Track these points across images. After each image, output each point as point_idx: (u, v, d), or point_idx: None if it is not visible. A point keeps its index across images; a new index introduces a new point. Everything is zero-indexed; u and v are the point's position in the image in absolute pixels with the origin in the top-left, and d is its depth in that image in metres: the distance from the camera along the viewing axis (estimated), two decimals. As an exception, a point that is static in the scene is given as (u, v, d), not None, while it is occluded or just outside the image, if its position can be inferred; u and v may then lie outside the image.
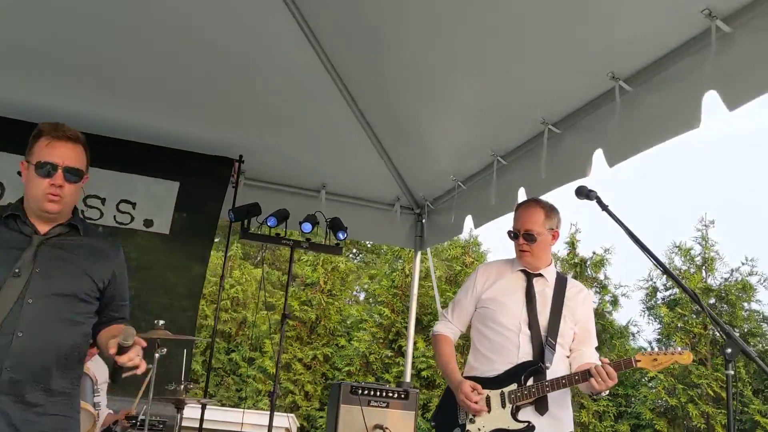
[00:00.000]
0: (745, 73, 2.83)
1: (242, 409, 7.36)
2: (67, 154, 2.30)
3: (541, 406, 2.91)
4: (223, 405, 10.70)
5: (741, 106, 2.84)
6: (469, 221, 5.40)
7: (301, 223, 5.34)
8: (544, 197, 4.30)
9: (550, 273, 3.19)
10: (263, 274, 12.15)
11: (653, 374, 8.72)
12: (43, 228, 2.29)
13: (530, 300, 3.07)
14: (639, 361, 2.69)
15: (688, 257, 9.77)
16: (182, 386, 4.04)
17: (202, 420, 4.98)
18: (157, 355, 3.66)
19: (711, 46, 2.88)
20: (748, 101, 2.82)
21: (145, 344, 2.15)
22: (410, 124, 5.14)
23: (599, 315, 10.05)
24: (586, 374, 2.79)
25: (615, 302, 10.45)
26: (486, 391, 2.95)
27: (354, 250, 19.37)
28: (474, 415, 2.94)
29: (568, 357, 3.05)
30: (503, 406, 2.90)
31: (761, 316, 9.19)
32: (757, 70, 2.79)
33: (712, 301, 9.34)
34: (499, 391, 2.92)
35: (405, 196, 6.13)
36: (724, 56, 2.88)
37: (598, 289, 10.49)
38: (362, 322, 11.99)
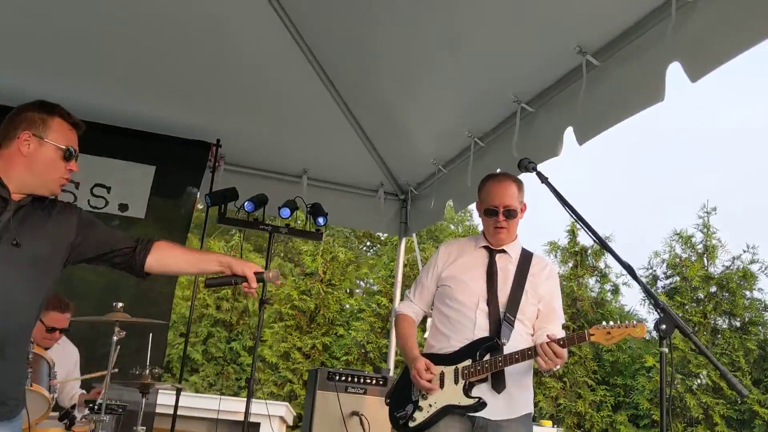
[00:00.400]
0: (707, 42, 2.72)
1: (219, 396, 7.26)
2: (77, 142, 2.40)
3: (498, 384, 2.81)
4: (197, 392, 10.71)
5: (703, 77, 2.74)
6: (450, 205, 5.32)
7: (279, 209, 5.26)
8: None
9: (515, 248, 3.08)
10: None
11: (651, 363, 8.59)
12: (16, 196, 2.26)
13: (491, 276, 2.97)
14: (593, 335, 2.56)
15: (689, 245, 9.60)
16: (147, 371, 3.97)
17: (176, 407, 4.92)
18: (115, 337, 3.59)
19: (672, 16, 2.77)
20: (711, 71, 2.71)
21: (255, 295, 2.37)
22: (390, 109, 5.05)
23: (599, 304, 9.92)
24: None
25: (616, 291, 10.32)
26: (440, 368, 2.86)
27: (368, 243, 19.27)
28: (427, 393, 2.86)
29: (532, 335, 2.94)
30: (456, 382, 2.81)
31: (762, 305, 9.01)
32: (718, 39, 2.68)
33: (713, 289, 9.18)
34: (453, 367, 2.84)
35: (389, 182, 6.03)
36: (687, 26, 2.78)
37: (598, 278, 10.36)
38: (361, 312, 11.92)
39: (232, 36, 4.57)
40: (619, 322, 2.52)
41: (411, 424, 2.86)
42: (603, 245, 2.22)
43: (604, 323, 2.56)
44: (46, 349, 4.24)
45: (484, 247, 3.07)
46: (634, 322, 2.50)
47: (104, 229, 2.39)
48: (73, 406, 3.74)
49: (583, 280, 10.28)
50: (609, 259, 10.32)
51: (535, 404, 8.98)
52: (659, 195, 32.85)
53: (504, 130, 4.37)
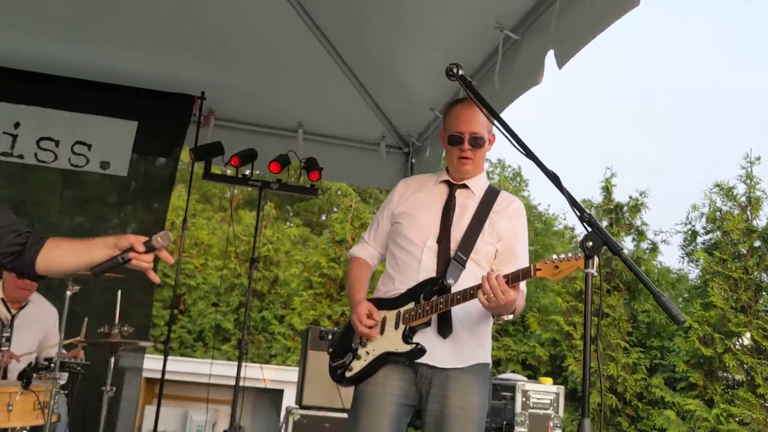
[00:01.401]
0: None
1: (210, 360, 7.14)
2: None
3: (444, 329, 2.49)
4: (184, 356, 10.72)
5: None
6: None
7: (269, 164, 5.02)
8: (505, 113, 3.99)
9: (478, 183, 2.72)
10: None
11: (689, 323, 8.08)
12: None
13: (447, 213, 2.64)
14: (539, 269, 2.21)
15: (730, 197, 8.98)
16: (116, 329, 3.80)
17: (163, 372, 4.78)
18: (69, 293, 3.42)
19: None
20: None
21: (172, 261, 2.04)
22: (383, 56, 4.77)
23: (635, 263, 9.39)
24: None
25: (654, 249, 9.78)
26: (383, 313, 2.56)
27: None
28: (367, 340, 2.56)
29: None
30: (396, 327, 2.51)
31: (810, 260, 8.37)
32: None
33: (756, 243, 8.59)
34: (396, 311, 2.53)
35: (390, 134, 5.72)
36: None
37: (635, 236, 9.84)
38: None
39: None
40: (569, 254, 2.14)
41: (347, 374, 2.58)
42: (528, 154, 1.88)
43: (554, 256, 2.19)
44: (22, 307, 4.14)
45: (445, 181, 2.73)
46: (579, 255, 2.07)
47: None
48: (30, 364, 3.59)
49: (619, 238, 9.76)
50: (646, 215, 9.79)
51: (565, 368, 8.67)
52: (697, 147, 31.67)
53: (492, 64, 4.03)
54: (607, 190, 10.13)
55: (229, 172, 5.48)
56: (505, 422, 4.01)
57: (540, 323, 9.51)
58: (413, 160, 5.78)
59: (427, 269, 2.54)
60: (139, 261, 1.89)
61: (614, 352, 8.61)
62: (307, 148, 5.52)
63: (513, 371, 9.30)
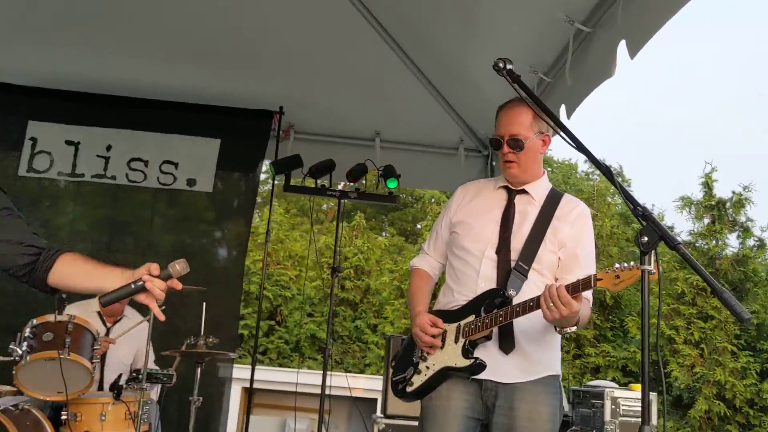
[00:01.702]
0: None
1: (296, 369, 7.22)
2: None
3: (506, 343, 2.40)
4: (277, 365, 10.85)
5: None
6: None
7: (347, 174, 5.06)
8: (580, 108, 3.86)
9: (539, 188, 2.60)
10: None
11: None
12: None
13: (506, 221, 2.54)
14: (600, 279, 2.08)
15: None
16: (201, 341, 3.92)
17: (252, 381, 4.89)
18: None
19: None
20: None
21: (180, 287, 1.92)
22: (455, 59, 4.74)
23: (740, 261, 8.87)
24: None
25: (761, 246, 9.18)
26: (446, 326, 2.49)
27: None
28: (427, 354, 2.49)
29: None
30: (456, 341, 2.43)
31: None
32: None
33: None
34: (456, 324, 2.46)
35: (468, 137, 5.65)
36: None
37: (739, 233, 9.28)
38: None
39: (288, 3, 4.45)
40: (631, 263, 2.00)
41: (408, 389, 2.52)
42: (579, 147, 1.79)
43: (617, 265, 2.05)
44: (117, 320, 4.34)
45: (504, 187, 2.62)
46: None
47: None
48: (120, 375, 3.75)
49: (722, 236, 9.24)
50: (751, 210, 9.21)
51: (667, 374, 8.26)
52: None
53: (565, 60, 3.91)
54: (707, 185, 9.63)
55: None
56: (594, 431, 3.85)
57: (640, 327, 9.12)
58: (493, 163, 5.69)
59: (487, 280, 2.47)
60: (153, 287, 1.82)
61: (721, 356, 8.14)
62: (385, 156, 5.53)
63: (613, 378, 8.96)
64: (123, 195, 5.09)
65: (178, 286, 1.90)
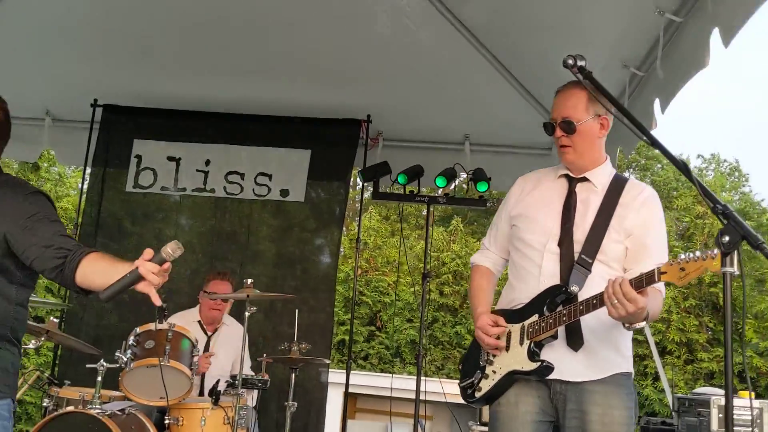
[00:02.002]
0: None
1: (390, 374, 7.19)
2: None
3: (574, 340, 2.28)
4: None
5: None
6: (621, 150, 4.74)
7: (435, 178, 5.05)
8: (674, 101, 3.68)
9: (600, 175, 2.45)
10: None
11: None
12: None
13: (567, 211, 2.40)
14: (664, 273, 1.94)
15: None
16: (294, 347, 4.01)
17: (347, 385, 4.95)
18: (247, 314, 3.66)
19: None
20: None
21: (167, 268, 1.93)
22: (544, 59, 4.62)
23: None
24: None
25: None
26: (508, 326, 2.39)
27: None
28: (493, 356, 2.40)
29: None
30: (521, 342, 2.33)
31: None
32: None
33: None
34: (520, 325, 2.36)
35: (560, 137, 5.50)
36: None
37: None
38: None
39: (372, 10, 4.50)
40: (696, 252, 1.87)
41: (477, 395, 2.44)
42: (653, 143, 1.70)
43: (681, 256, 1.91)
44: (217, 329, 4.51)
45: (564, 175, 2.49)
46: (713, 252, 1.77)
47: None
48: (218, 381, 3.88)
49: None
50: None
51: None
52: None
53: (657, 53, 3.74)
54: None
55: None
56: (701, 441, 3.64)
57: (757, 331, 8.57)
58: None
59: (549, 276, 2.34)
60: (146, 271, 1.85)
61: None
62: (475, 159, 5.47)
63: (729, 384, 8.45)
64: (227, 207, 5.30)
65: (155, 280, 1.90)
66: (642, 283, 2.03)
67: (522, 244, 2.46)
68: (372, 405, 8.87)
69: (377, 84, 5.12)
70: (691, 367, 8.69)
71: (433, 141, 5.60)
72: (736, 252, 1.45)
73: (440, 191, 5.16)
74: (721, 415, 3.55)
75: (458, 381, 2.56)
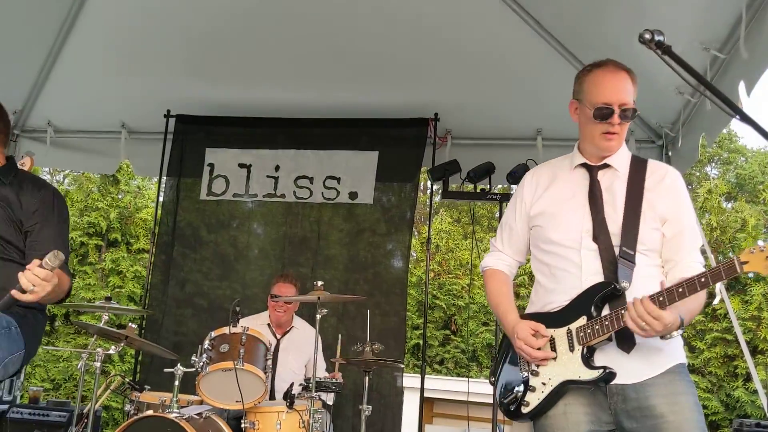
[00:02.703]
0: None
1: (467, 378, 7.05)
2: None
3: (626, 341, 2.13)
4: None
5: None
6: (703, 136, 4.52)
7: (508, 175, 4.92)
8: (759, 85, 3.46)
9: (621, 159, 2.31)
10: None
11: None
12: None
13: (594, 202, 2.25)
14: (745, 263, 1.75)
15: None
16: (367, 348, 3.96)
17: (422, 389, 4.88)
18: (318, 316, 3.64)
19: None
20: None
21: (54, 281, 2.20)
22: (618, 47, 4.41)
23: None
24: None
25: None
26: (549, 331, 2.21)
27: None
28: (537, 366, 2.23)
29: (661, 267, 2.23)
30: (571, 348, 2.16)
31: None
32: None
33: None
34: (565, 329, 2.18)
35: (639, 127, 5.30)
36: None
37: None
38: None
39: (435, 7, 4.45)
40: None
41: (524, 410, 2.25)
42: (744, 118, 1.56)
43: (760, 242, 1.74)
44: (287, 332, 4.52)
45: (582, 165, 2.34)
46: None
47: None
48: (292, 384, 3.87)
49: None
50: None
51: None
52: None
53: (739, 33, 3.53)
54: None
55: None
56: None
57: None
58: (669, 153, 5.28)
59: (592, 273, 2.19)
60: (25, 279, 2.11)
61: None
62: (548, 154, 5.30)
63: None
64: (298, 212, 5.34)
65: (41, 273, 2.14)
66: (707, 281, 1.89)
67: (550, 244, 2.30)
68: (449, 410, 8.77)
69: (444, 81, 5.05)
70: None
71: (504, 137, 5.47)
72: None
73: (513, 188, 5.02)
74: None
75: (499, 395, 2.37)
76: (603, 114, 2.22)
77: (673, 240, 2.20)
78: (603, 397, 2.17)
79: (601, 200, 2.25)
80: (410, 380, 7.84)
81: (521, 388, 2.26)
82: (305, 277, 4.91)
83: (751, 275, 1.96)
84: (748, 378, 8.17)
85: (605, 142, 2.26)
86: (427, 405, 8.68)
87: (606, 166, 2.31)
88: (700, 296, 2.03)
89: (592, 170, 2.32)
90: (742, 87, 3.60)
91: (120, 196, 10.65)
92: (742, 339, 5.68)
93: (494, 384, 2.42)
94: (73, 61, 5.05)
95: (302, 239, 5.38)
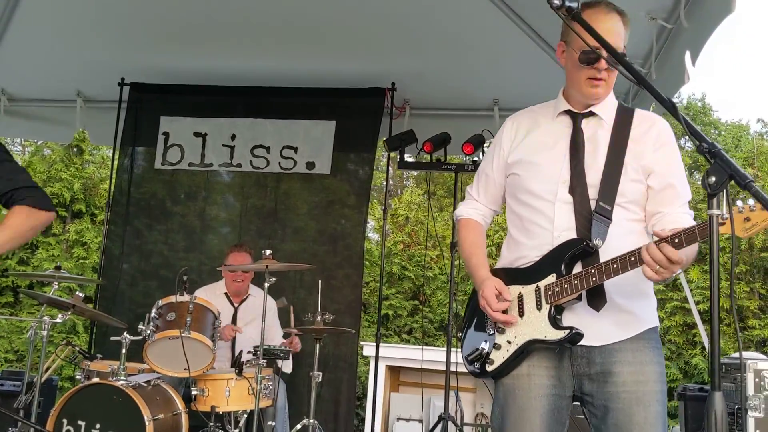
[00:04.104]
0: None
1: (420, 347, 7.14)
2: None
3: (596, 299, 2.02)
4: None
5: None
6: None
7: (463, 145, 4.94)
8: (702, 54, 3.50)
9: (607, 108, 2.16)
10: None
11: None
12: None
13: (575, 152, 2.11)
14: (723, 224, 1.59)
15: None
16: (318, 317, 4.00)
17: (377, 357, 4.94)
18: (266, 284, 3.66)
19: None
20: None
21: None
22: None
23: None
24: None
25: None
26: (517, 288, 2.11)
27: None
28: (503, 325, 2.13)
29: (643, 221, 2.12)
30: (539, 307, 2.06)
31: None
32: None
33: None
34: (534, 286, 2.08)
35: (594, 97, 5.33)
36: None
37: None
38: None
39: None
40: (750, 201, 1.68)
41: (489, 369, 2.15)
42: (640, 81, 1.59)
43: (739, 203, 1.72)
44: (243, 300, 4.54)
45: (566, 112, 2.19)
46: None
47: None
48: (240, 352, 3.90)
49: None
50: None
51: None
52: None
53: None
54: None
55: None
56: (736, 406, 3.50)
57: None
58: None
59: (564, 229, 2.07)
60: None
61: None
62: (504, 125, 5.35)
63: (782, 352, 8.17)
64: (274, 182, 5.31)
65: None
66: (695, 236, 1.79)
67: (526, 194, 2.18)
68: (416, 378, 8.89)
69: (401, 51, 5.02)
70: (742, 335, 8.41)
71: (462, 108, 5.49)
72: (724, 193, 1.33)
73: (467, 159, 5.05)
74: (757, 380, 3.40)
75: (464, 352, 2.27)
76: (589, 59, 2.06)
77: (661, 192, 2.09)
78: (567, 360, 2.10)
79: (582, 150, 2.13)
80: (379, 350, 7.93)
81: (486, 345, 2.18)
82: (264, 248, 4.90)
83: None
84: (705, 347, 8.36)
85: (591, 89, 2.11)
86: (393, 373, 8.77)
87: (591, 114, 2.17)
88: (695, 247, 1.93)
89: (576, 118, 2.18)
90: (687, 57, 3.65)
91: (84, 166, 10.51)
92: (694, 308, 5.83)
93: (461, 340, 2.31)
94: (25, 29, 4.94)
95: (261, 209, 5.36)
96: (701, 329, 5.73)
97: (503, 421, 2.12)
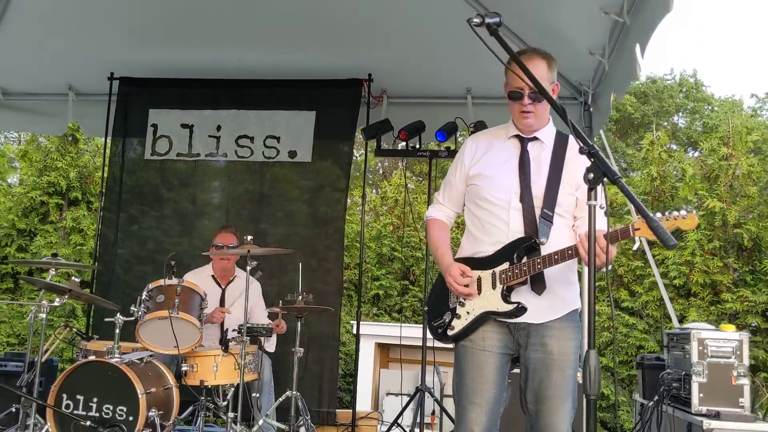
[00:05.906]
0: None
1: (399, 324, 7.46)
2: None
3: (538, 285, 2.61)
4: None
5: None
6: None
7: (437, 133, 5.21)
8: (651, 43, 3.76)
9: (548, 134, 2.73)
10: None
11: None
12: None
13: (523, 169, 2.67)
14: (638, 229, 2.22)
15: None
16: (299, 297, 4.29)
17: (358, 335, 5.23)
18: (248, 267, 3.94)
19: None
20: None
21: None
22: (538, 10, 4.73)
23: None
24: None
25: None
26: (477, 273, 2.67)
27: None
28: (464, 299, 2.69)
29: (571, 225, 2.68)
30: (494, 287, 2.63)
31: None
32: None
33: None
34: (490, 271, 2.64)
35: (562, 86, 5.55)
36: None
37: None
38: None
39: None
40: (667, 213, 2.22)
41: (450, 333, 2.72)
42: (540, 91, 1.86)
43: (658, 214, 2.22)
44: (230, 281, 4.81)
45: (515, 136, 2.74)
46: (684, 212, 2.23)
47: None
48: (226, 330, 4.19)
49: None
50: None
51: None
52: None
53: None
54: None
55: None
56: (684, 373, 3.80)
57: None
58: (591, 109, 5.59)
59: (516, 231, 2.62)
60: None
61: None
62: (478, 113, 5.60)
63: (754, 324, 8.52)
64: (264, 169, 5.58)
65: None
66: (617, 236, 2.34)
67: (485, 201, 2.69)
68: (404, 355, 9.22)
69: (377, 43, 5.24)
70: (715, 308, 8.74)
71: (436, 96, 5.74)
72: (600, 186, 1.63)
73: (442, 146, 5.31)
74: (700, 348, 3.70)
75: (429, 320, 2.84)
76: (513, 96, 2.66)
77: (583, 202, 2.46)
78: (511, 330, 2.65)
79: (528, 168, 2.67)
80: (368, 328, 8.25)
81: (449, 315, 2.73)
82: (253, 232, 5.17)
83: (642, 239, 2.44)
84: (681, 320, 8.69)
85: (522, 120, 2.68)
86: (383, 351, 9.11)
87: (535, 138, 2.72)
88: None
89: (523, 141, 2.72)
90: (638, 50, 3.91)
91: (79, 155, 10.75)
92: (661, 284, 6.14)
93: (427, 312, 2.89)
94: (18, 25, 5.15)
95: (252, 194, 5.62)
96: (668, 305, 6.03)
97: (462, 375, 2.68)
